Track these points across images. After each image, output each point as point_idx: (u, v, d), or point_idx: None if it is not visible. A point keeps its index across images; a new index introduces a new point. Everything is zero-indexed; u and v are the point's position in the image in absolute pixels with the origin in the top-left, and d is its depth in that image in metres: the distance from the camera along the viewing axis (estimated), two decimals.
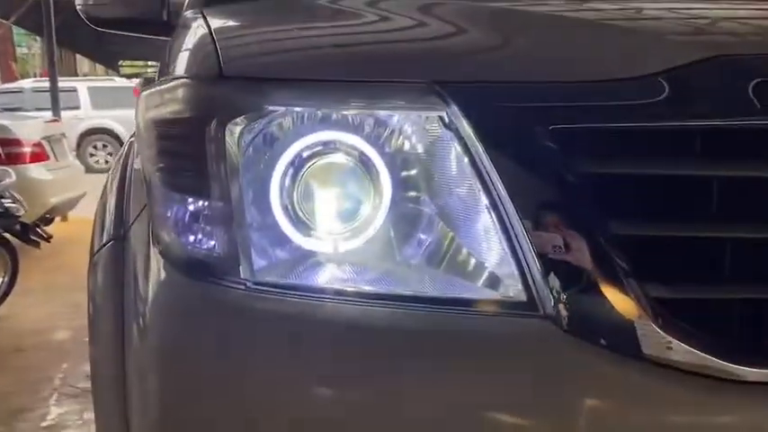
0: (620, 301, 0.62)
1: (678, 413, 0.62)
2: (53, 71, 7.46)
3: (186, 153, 0.74)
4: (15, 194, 3.59)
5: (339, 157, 0.73)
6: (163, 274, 0.74)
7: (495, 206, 0.66)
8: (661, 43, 0.73)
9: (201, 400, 0.68)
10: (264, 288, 0.68)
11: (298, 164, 0.72)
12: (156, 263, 0.75)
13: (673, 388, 0.61)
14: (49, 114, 6.73)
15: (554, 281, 0.63)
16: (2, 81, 22.64)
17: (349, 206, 0.73)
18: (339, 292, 0.68)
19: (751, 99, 0.65)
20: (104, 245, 0.92)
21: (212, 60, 0.79)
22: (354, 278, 0.70)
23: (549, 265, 0.63)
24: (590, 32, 0.80)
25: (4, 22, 24.31)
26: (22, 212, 3.54)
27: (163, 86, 0.82)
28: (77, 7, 1.84)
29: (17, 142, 4.86)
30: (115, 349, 0.80)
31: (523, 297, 0.65)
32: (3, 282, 3.57)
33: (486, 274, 0.67)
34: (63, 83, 9.51)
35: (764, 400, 0.62)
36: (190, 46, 0.91)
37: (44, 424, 2.33)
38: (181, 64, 0.87)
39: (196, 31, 0.96)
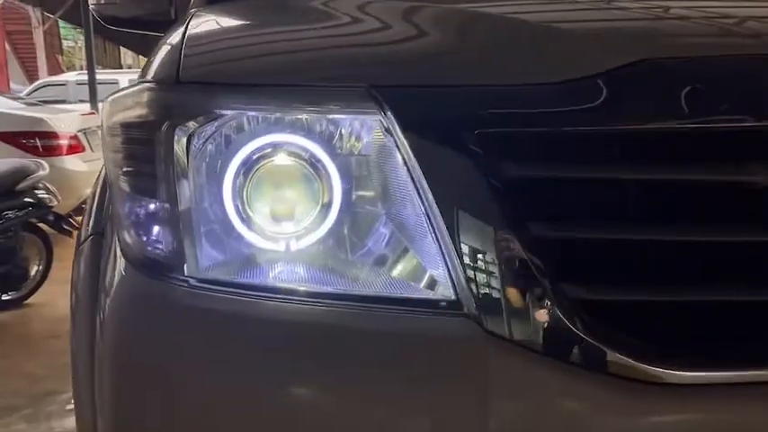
0: (536, 302, 0.63)
1: (593, 414, 0.63)
2: (91, 64, 7.68)
3: (141, 156, 0.78)
4: (49, 186, 3.72)
5: (288, 159, 0.76)
6: (121, 270, 0.78)
7: (425, 209, 0.68)
8: (589, 47, 0.74)
9: (145, 391, 0.72)
10: (208, 285, 0.72)
11: (248, 166, 0.75)
12: (118, 259, 0.80)
13: (586, 388, 0.63)
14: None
15: (476, 282, 0.65)
16: (48, 74, 23.32)
17: (297, 206, 0.76)
18: (282, 291, 0.72)
19: (679, 103, 0.65)
20: (86, 239, 0.98)
21: (173, 66, 0.82)
22: (297, 277, 0.73)
23: (471, 266, 0.65)
24: (519, 36, 0.80)
25: (50, 16, 24.98)
26: (54, 203, 3.68)
27: (126, 91, 0.86)
28: (90, 7, 1.90)
29: (54, 135, 5.03)
30: (89, 339, 0.85)
31: (452, 297, 0.67)
32: (38, 270, 3.73)
33: (420, 275, 0.69)
34: (104, 75, 9.76)
35: (686, 403, 0.63)
36: (163, 50, 0.95)
37: (69, 407, 2.44)
38: (151, 67, 0.91)
39: (174, 35, 1.00)
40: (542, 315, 0.63)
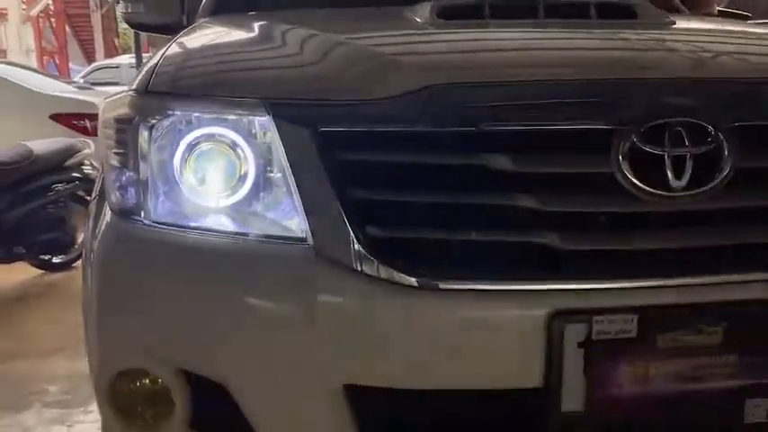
0: (347, 236, 1.00)
1: (380, 305, 1.00)
2: (138, 47, 8.21)
3: (121, 142, 1.17)
4: (94, 163, 4.19)
5: (217, 144, 1.13)
6: (107, 217, 1.18)
7: (290, 180, 1.05)
8: (398, 72, 1.09)
9: (117, 290, 1.12)
10: (157, 225, 1.11)
11: (189, 148, 1.13)
12: (106, 210, 1.20)
13: (378, 291, 0.99)
14: None
15: (313, 226, 1.02)
16: (105, 56, 24.26)
17: (223, 177, 1.13)
18: (204, 229, 1.10)
19: (456, 118, 1.01)
20: (93, 199, 1.38)
21: (147, 79, 1.21)
22: (218, 222, 1.11)
23: (312, 216, 1.03)
24: (356, 60, 1.16)
25: (108, 0, 25.81)
26: None
27: (116, 96, 1.25)
28: (120, 15, 2.32)
29: None
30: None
31: (302, 234, 1.04)
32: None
33: (288, 222, 1.07)
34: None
35: (425, 298, 0.99)
36: (149, 64, 1.34)
37: None
38: (138, 77, 1.30)
39: (160, 50, 1.39)
40: (353, 246, 0.99)
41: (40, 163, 3.88)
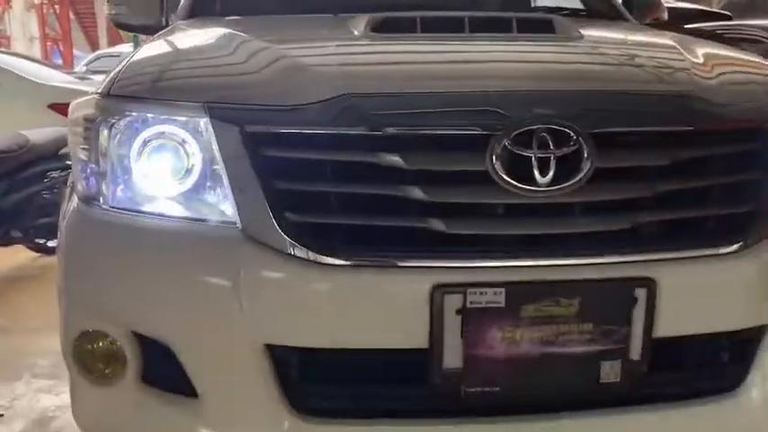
0: (268, 219, 1.20)
1: (289, 278, 1.20)
2: (137, 37, 8.36)
3: (86, 137, 1.37)
4: None
5: (168, 141, 1.33)
6: (74, 203, 1.39)
7: (221, 174, 1.25)
8: (316, 82, 1.29)
9: (80, 264, 1.33)
10: (113, 209, 1.31)
11: (144, 144, 1.33)
12: (73, 197, 1.40)
13: (291, 266, 1.19)
14: None
15: (241, 211, 1.22)
16: (108, 43, 24.36)
17: (172, 169, 1.33)
18: (154, 214, 1.30)
19: (360, 123, 1.21)
20: (68, 187, 1.58)
21: (110, 83, 1.42)
22: (166, 207, 1.31)
23: (240, 203, 1.23)
24: (284, 70, 1.36)
25: None
26: None
27: (83, 98, 1.45)
28: (108, 16, 2.51)
29: None
30: None
31: (233, 219, 1.24)
32: None
33: (222, 207, 1.27)
34: None
35: (331, 272, 1.19)
36: (115, 69, 1.54)
37: None
38: (104, 81, 1.49)
39: (125, 59, 1.59)
40: (272, 228, 1.20)
41: (36, 151, 4.08)
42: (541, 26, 1.68)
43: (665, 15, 2.84)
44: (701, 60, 1.53)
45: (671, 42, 1.68)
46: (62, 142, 4.34)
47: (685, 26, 4.66)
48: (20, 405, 2.52)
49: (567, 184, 1.20)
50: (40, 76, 6.11)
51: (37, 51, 16.40)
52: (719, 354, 1.35)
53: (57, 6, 23.32)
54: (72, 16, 25.43)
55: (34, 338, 3.12)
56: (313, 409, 1.25)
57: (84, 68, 13.70)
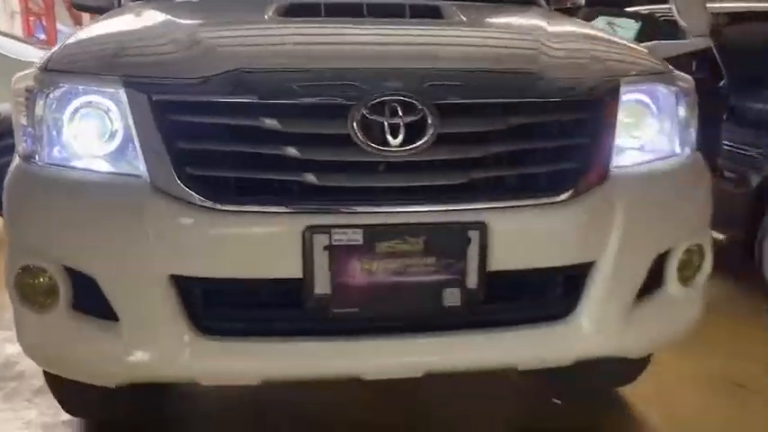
0: (170, 173, 1.47)
1: (187, 221, 1.47)
2: None
3: (25, 106, 1.62)
4: None
5: (95, 108, 1.59)
6: (16, 160, 1.65)
7: (136, 134, 1.51)
8: (213, 59, 1.55)
9: (20, 210, 1.60)
10: (48, 165, 1.58)
11: (74, 111, 1.59)
12: (16, 155, 1.66)
13: (191, 211, 1.46)
14: None
15: (149, 167, 1.49)
16: (91, 18, 24.19)
17: (99, 133, 1.59)
18: (78, 168, 1.56)
19: (246, 93, 1.47)
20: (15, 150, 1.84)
21: (48, 59, 1.67)
22: (92, 164, 1.57)
23: (148, 159, 1.49)
24: (190, 47, 1.62)
25: None
26: None
27: (24, 72, 1.70)
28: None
29: None
30: None
31: (143, 173, 1.51)
32: None
33: (135, 164, 1.53)
34: None
35: (222, 216, 1.46)
36: (54, 47, 1.79)
37: None
38: (44, 58, 1.74)
39: (67, 38, 1.84)
40: (173, 179, 1.47)
41: (7, 123, 4.30)
42: (430, 12, 1.94)
43: (583, 1, 3.10)
44: (554, 41, 1.80)
45: (540, 24, 1.95)
46: None
47: (626, 9, 4.89)
48: None
49: (413, 146, 1.47)
50: (16, 52, 6.29)
51: (18, 27, 16.32)
52: (552, 286, 1.63)
53: None
54: None
55: None
56: (211, 329, 1.53)
57: None
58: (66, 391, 2.01)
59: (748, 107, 3.49)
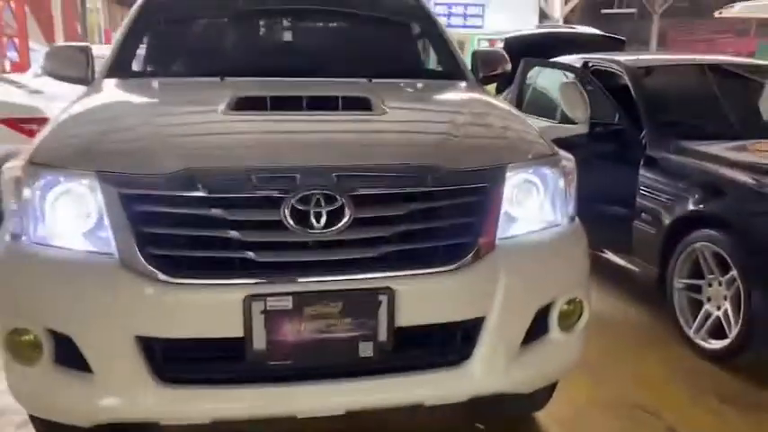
0: (135, 253, 1.81)
1: (147, 292, 1.81)
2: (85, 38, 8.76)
3: (15, 192, 1.96)
4: None
5: (72, 195, 1.92)
6: (5, 237, 1.98)
7: (107, 218, 1.85)
8: (169, 157, 1.90)
9: (8, 286, 1.94)
10: (34, 244, 1.91)
11: (55, 197, 1.92)
12: (5, 233, 1.99)
13: (151, 284, 1.81)
14: None
15: (119, 247, 1.83)
16: (65, 40, 24.29)
17: (76, 216, 1.92)
18: (58, 246, 1.90)
19: (196, 188, 1.82)
20: (2, 226, 2.17)
21: (33, 152, 2.01)
22: (70, 243, 1.91)
23: (118, 242, 1.84)
24: (150, 144, 1.98)
25: None
26: None
27: (13, 164, 2.03)
28: (44, 68, 3.05)
29: (48, 120, 6.22)
30: None
31: (114, 252, 1.85)
32: None
33: (108, 243, 1.86)
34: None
35: (175, 288, 1.81)
36: (38, 137, 2.13)
37: None
38: (31, 147, 2.08)
39: (48, 126, 2.18)
40: (137, 258, 1.81)
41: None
42: (361, 104, 2.32)
43: (509, 67, 3.49)
44: (460, 128, 2.21)
45: (452, 110, 2.34)
46: (6, 160, 4.85)
47: (555, 59, 5.31)
48: None
49: (333, 228, 1.84)
50: None
51: None
52: (450, 337, 2.00)
53: (12, 3, 23.28)
54: (27, 10, 25.35)
55: None
56: (170, 378, 1.86)
57: (40, 70, 13.96)
58: (47, 428, 2.33)
59: (662, 156, 3.92)
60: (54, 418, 2.02)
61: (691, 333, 3.54)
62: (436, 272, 1.91)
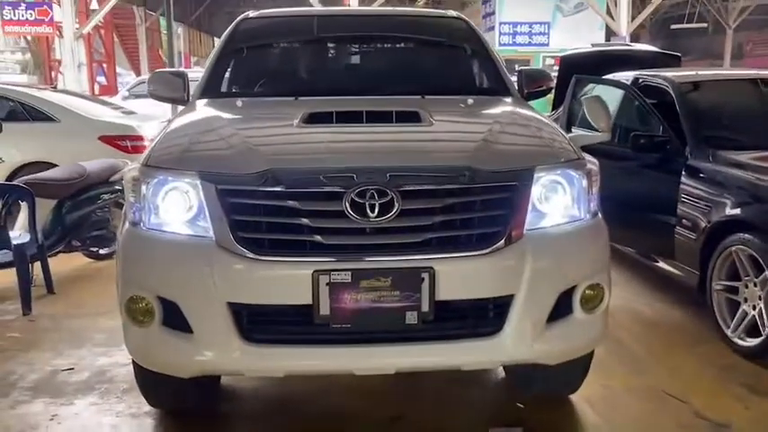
0: (228, 235, 2.27)
1: (239, 266, 2.25)
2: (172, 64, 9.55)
3: (134, 190, 2.45)
4: None
5: (180, 191, 2.40)
6: (126, 225, 2.49)
7: (207, 209, 2.32)
8: (256, 158, 2.36)
9: (128, 262, 2.45)
10: (149, 228, 2.41)
11: (165, 193, 2.41)
12: (126, 222, 2.49)
13: (242, 262, 2.25)
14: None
15: (215, 231, 2.29)
16: (149, 67, 25.90)
17: (183, 208, 2.40)
18: (169, 231, 2.38)
19: (277, 184, 2.27)
20: (123, 215, 2.67)
21: (147, 156, 2.51)
22: (177, 228, 2.38)
23: (214, 226, 2.30)
24: (239, 148, 2.45)
25: (152, 13, 27.33)
26: None
27: (132, 166, 2.54)
28: (148, 90, 3.60)
29: (140, 138, 6.93)
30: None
31: (211, 235, 2.31)
32: None
33: (206, 228, 2.33)
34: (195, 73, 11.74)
35: (260, 263, 2.25)
36: (153, 142, 2.64)
37: None
38: (146, 151, 2.58)
39: (162, 132, 2.71)
40: (230, 239, 2.26)
41: (92, 178, 5.23)
42: (411, 117, 2.73)
43: (553, 84, 3.83)
44: (496, 136, 2.59)
45: (492, 121, 2.74)
46: (111, 171, 5.50)
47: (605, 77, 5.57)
48: (85, 363, 3.62)
49: (384, 218, 2.24)
50: (92, 113, 7.32)
51: (84, 76, 17.89)
52: (484, 311, 2.36)
53: (102, 31, 25.10)
54: (115, 38, 27.24)
55: (92, 321, 4.25)
56: (253, 338, 2.30)
57: (127, 93, 15.13)
58: (149, 386, 2.81)
59: (702, 165, 4.15)
60: (161, 370, 2.49)
61: (728, 332, 3.75)
62: (471, 255, 2.28)
